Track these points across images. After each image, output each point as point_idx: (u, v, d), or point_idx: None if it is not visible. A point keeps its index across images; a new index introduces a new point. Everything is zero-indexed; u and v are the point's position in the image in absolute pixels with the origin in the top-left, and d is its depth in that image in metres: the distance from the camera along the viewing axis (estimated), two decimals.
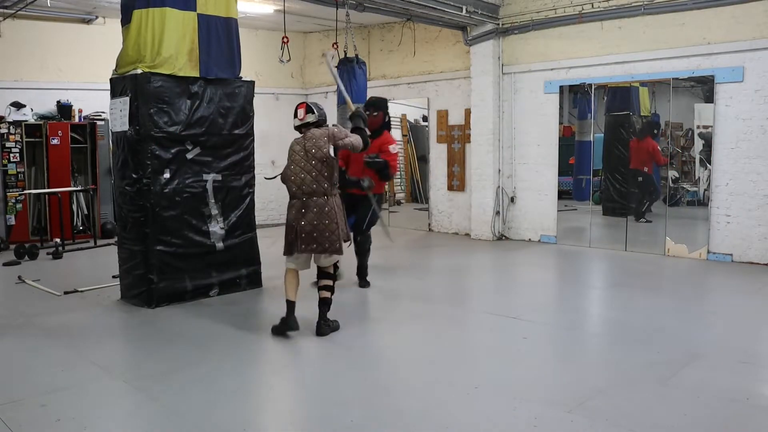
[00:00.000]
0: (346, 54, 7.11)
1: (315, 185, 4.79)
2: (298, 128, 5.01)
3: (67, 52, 9.59)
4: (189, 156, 5.82)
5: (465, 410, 3.50)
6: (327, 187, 4.82)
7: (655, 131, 8.69)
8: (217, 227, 6.02)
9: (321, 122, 4.96)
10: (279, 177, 5.05)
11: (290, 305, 4.83)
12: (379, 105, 6.49)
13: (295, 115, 5.00)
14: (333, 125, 5.10)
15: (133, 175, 5.65)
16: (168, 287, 5.71)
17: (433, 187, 10.41)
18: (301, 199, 4.86)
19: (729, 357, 4.32)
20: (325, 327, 4.88)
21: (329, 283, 4.95)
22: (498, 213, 9.25)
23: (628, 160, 8.77)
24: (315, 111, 4.94)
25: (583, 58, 8.39)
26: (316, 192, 4.80)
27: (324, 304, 4.90)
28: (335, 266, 5.05)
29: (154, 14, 5.53)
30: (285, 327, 4.81)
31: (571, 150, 9.22)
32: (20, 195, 9.03)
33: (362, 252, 6.44)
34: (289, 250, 4.88)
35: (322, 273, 4.97)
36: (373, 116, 6.25)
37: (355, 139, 4.96)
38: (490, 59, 9.09)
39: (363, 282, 6.48)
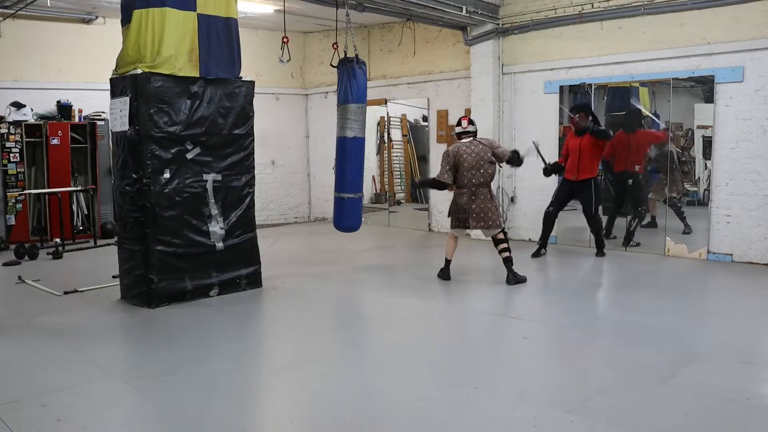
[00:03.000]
0: (346, 54, 7.10)
1: (482, 179, 6.42)
2: (458, 134, 6.60)
3: (67, 52, 9.59)
4: (189, 156, 5.82)
5: (465, 410, 3.50)
6: (489, 181, 6.49)
7: (642, 121, 8.51)
8: (217, 227, 6.02)
9: (476, 132, 6.63)
10: (441, 178, 6.57)
11: (448, 262, 6.69)
12: (581, 107, 7.88)
13: (459, 124, 6.62)
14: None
15: (133, 175, 5.65)
16: (168, 287, 5.71)
17: None
18: (470, 189, 6.43)
19: (729, 357, 4.32)
20: (512, 278, 6.47)
21: (505, 245, 6.53)
22: None
23: (611, 164, 8.41)
24: (474, 124, 6.64)
25: (583, 58, 8.39)
26: (483, 184, 6.44)
27: (508, 261, 6.49)
28: (504, 232, 6.61)
29: (154, 14, 5.53)
30: (443, 276, 6.69)
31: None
32: (20, 195, 9.03)
33: (596, 230, 7.84)
34: (457, 225, 6.58)
35: (496, 240, 6.56)
36: (576, 117, 7.75)
37: (506, 150, 6.61)
38: (490, 59, 9.09)
39: (600, 253, 7.85)
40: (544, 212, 8.10)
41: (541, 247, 8.05)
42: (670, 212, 8.03)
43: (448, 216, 6.74)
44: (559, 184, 8.07)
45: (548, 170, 7.98)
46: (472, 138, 6.53)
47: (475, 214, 6.42)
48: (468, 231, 6.81)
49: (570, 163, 7.82)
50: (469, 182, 6.41)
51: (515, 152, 6.66)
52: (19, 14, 8.62)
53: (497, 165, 6.63)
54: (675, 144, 8.05)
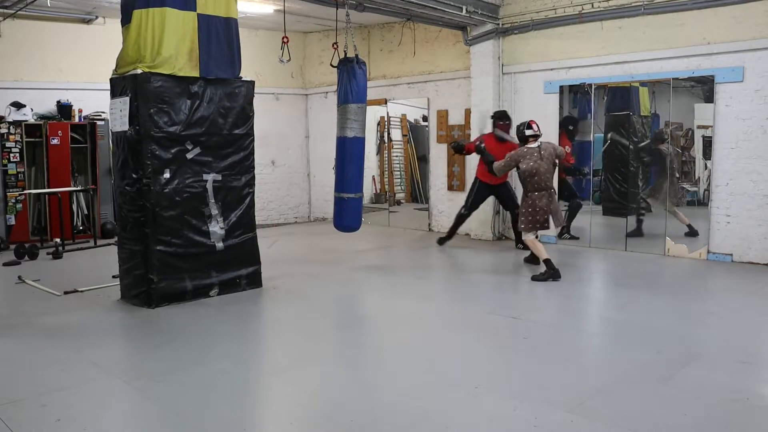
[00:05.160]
0: (346, 54, 7.11)
1: (551, 182, 6.79)
2: (527, 137, 6.80)
3: (67, 52, 9.59)
4: (189, 156, 5.82)
5: (465, 410, 3.50)
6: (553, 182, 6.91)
7: (570, 127, 8.65)
8: (217, 227, 6.02)
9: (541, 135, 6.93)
10: (500, 170, 7.01)
11: (548, 261, 6.61)
12: (506, 116, 8.47)
13: (529, 127, 6.82)
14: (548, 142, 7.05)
15: (133, 175, 5.65)
16: (168, 287, 5.71)
17: (433, 187, 10.41)
18: (548, 191, 6.71)
19: (729, 357, 4.32)
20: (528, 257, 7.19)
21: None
22: (498, 213, 9.25)
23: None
24: (539, 127, 6.92)
25: (583, 58, 8.39)
26: (552, 186, 6.81)
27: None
28: None
29: (154, 14, 5.53)
30: (552, 276, 6.51)
31: (570, 150, 9.21)
32: (20, 195, 9.03)
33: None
34: (533, 228, 6.75)
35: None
36: (506, 124, 8.34)
37: (561, 149, 7.00)
38: (490, 59, 9.09)
39: (525, 246, 7.87)
40: (457, 213, 8.62)
41: (448, 238, 8.76)
42: (670, 213, 8.03)
43: (520, 220, 6.84)
44: (478, 188, 8.44)
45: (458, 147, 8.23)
46: (539, 141, 6.81)
47: (553, 213, 6.75)
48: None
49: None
50: (545, 185, 6.68)
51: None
52: (19, 14, 8.63)
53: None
54: (675, 144, 8.06)
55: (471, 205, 8.49)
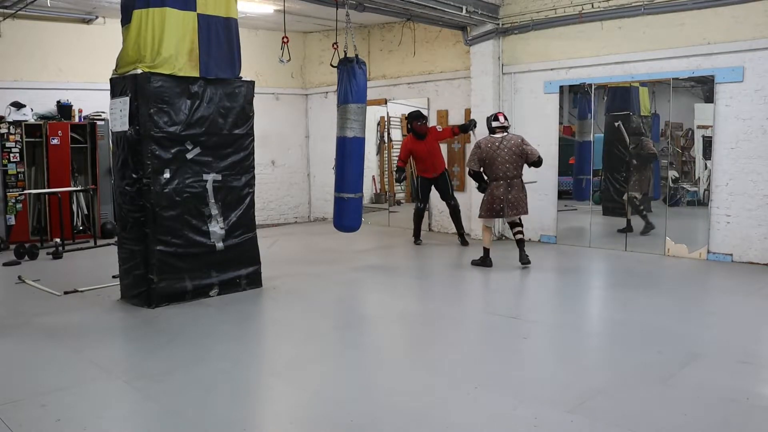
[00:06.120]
0: (346, 54, 7.11)
1: (515, 171, 7.05)
2: (494, 128, 7.19)
3: (67, 52, 9.59)
4: (189, 156, 5.82)
5: (465, 410, 3.50)
6: (521, 172, 7.11)
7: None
8: (217, 227, 6.02)
9: (509, 127, 7.34)
10: (469, 166, 7.32)
11: (487, 251, 7.26)
12: (421, 116, 8.87)
13: (496, 119, 7.22)
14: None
15: (133, 175, 5.65)
16: (168, 287, 5.71)
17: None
18: (506, 180, 7.01)
19: (729, 357, 4.32)
20: (526, 256, 7.13)
21: (521, 228, 7.30)
22: None
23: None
24: (508, 120, 7.35)
25: (583, 58, 8.39)
26: (516, 176, 7.06)
27: (521, 243, 7.23)
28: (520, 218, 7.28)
29: (154, 14, 5.53)
30: (483, 263, 7.22)
31: (571, 150, 9.22)
32: (20, 195, 9.03)
33: (456, 215, 8.83)
34: (490, 215, 7.19)
35: (513, 224, 7.30)
36: (423, 123, 8.81)
37: (535, 150, 7.12)
38: (490, 59, 9.09)
39: (463, 240, 8.85)
40: (414, 209, 9.12)
41: (417, 233, 9.14)
42: (669, 212, 8.04)
43: (481, 208, 7.33)
44: (420, 183, 9.00)
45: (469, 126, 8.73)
46: (505, 133, 7.16)
47: (510, 204, 7.05)
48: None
49: (426, 165, 8.77)
50: (504, 174, 7.01)
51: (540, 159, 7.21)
52: (19, 14, 8.62)
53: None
54: (676, 144, 8.06)
55: (422, 199, 9.02)
